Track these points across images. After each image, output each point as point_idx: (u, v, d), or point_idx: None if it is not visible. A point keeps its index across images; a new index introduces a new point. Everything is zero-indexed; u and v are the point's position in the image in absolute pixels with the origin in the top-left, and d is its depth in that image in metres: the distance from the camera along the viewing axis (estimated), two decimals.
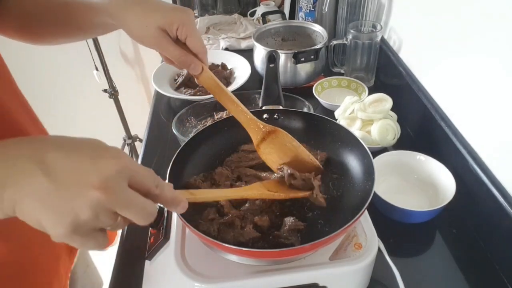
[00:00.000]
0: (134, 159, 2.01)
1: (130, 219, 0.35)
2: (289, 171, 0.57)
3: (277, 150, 0.59)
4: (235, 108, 0.59)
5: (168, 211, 0.60)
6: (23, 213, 0.32)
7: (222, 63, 1.19)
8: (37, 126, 0.64)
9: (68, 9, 0.58)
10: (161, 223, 0.59)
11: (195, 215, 0.55)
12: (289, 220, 0.53)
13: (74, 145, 0.34)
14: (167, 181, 0.55)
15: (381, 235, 0.56)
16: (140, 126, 1.41)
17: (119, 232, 0.72)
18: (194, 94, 1.05)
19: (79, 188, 0.32)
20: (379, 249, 0.56)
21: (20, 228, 0.57)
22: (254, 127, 0.59)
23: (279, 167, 0.59)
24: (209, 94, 1.04)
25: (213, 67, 1.17)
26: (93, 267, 0.88)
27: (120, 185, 0.34)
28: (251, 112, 0.62)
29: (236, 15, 1.53)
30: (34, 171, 0.32)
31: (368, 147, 0.58)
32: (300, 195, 0.55)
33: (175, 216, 0.59)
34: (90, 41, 1.67)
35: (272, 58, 0.72)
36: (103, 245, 0.35)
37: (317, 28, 1.15)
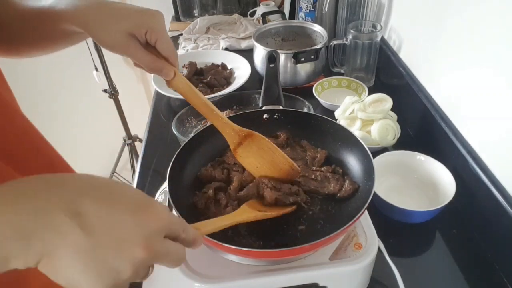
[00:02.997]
0: (134, 159, 2.01)
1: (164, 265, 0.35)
2: (269, 185, 0.57)
3: (254, 153, 0.58)
4: (210, 113, 0.58)
5: None
6: (54, 269, 0.29)
7: (222, 63, 1.19)
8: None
9: (39, 19, 0.55)
10: None
11: (195, 215, 0.55)
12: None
13: (113, 196, 0.32)
14: (167, 181, 0.55)
15: (381, 235, 0.56)
16: (140, 126, 1.41)
17: None
18: None
19: (121, 247, 0.30)
20: (379, 249, 0.56)
21: None
22: (229, 131, 0.58)
23: (258, 179, 0.59)
24: (210, 94, 1.04)
25: (213, 67, 1.17)
26: None
27: (160, 241, 0.33)
28: (251, 112, 0.63)
29: (236, 15, 1.53)
30: (68, 224, 0.29)
31: (368, 147, 0.58)
32: (288, 210, 0.55)
33: None
34: (90, 41, 1.66)
35: (272, 58, 0.72)
36: None
37: (317, 28, 1.15)
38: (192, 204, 0.57)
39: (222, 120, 0.58)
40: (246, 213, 0.52)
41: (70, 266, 0.29)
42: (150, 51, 0.54)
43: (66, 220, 0.29)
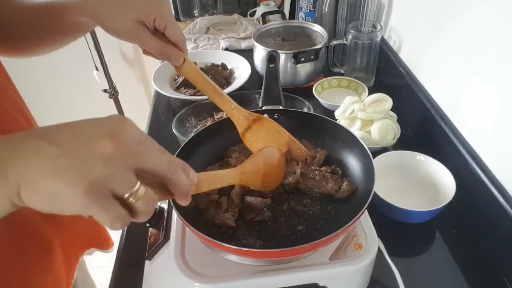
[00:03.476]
0: None
1: (147, 176, 0.33)
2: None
3: (263, 137, 0.59)
4: (219, 98, 0.59)
5: (168, 211, 0.60)
6: (33, 189, 0.29)
7: (222, 63, 1.19)
8: (31, 126, 0.64)
9: (44, 13, 0.56)
10: (161, 223, 0.59)
11: (195, 215, 0.55)
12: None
13: (79, 121, 0.33)
14: None
15: (381, 235, 0.56)
16: (140, 126, 1.41)
17: (119, 233, 0.72)
18: (194, 94, 1.05)
19: (88, 145, 0.30)
20: (379, 249, 0.56)
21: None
22: (239, 115, 0.59)
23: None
24: None
25: (213, 67, 1.17)
26: (89, 280, 0.88)
27: (130, 138, 0.32)
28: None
29: (236, 15, 1.53)
30: (39, 145, 0.30)
31: (368, 147, 0.58)
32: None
33: (175, 216, 0.59)
34: (90, 41, 1.67)
35: (272, 58, 0.72)
36: (125, 220, 0.32)
37: (317, 28, 1.15)
38: (192, 204, 0.57)
39: (231, 105, 0.59)
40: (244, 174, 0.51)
41: (46, 180, 0.29)
42: (159, 37, 0.54)
43: (38, 142, 0.30)
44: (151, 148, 0.34)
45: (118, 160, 0.31)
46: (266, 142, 0.59)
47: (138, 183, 0.32)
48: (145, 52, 0.57)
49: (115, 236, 0.73)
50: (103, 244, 0.80)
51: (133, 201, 0.32)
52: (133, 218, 0.34)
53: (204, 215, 0.55)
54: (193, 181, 0.39)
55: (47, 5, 0.55)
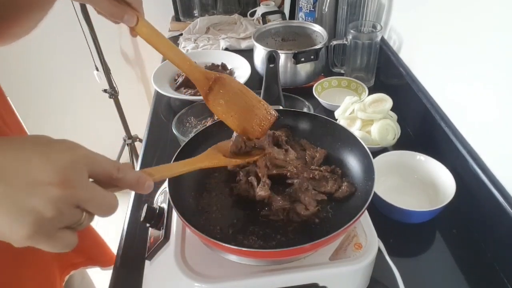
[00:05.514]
0: (134, 159, 2.01)
1: (93, 213, 0.34)
2: (239, 139, 0.56)
3: (226, 100, 0.55)
4: (177, 57, 0.55)
5: (168, 211, 0.60)
6: None
7: (222, 63, 1.19)
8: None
9: None
10: (161, 223, 0.59)
11: (195, 215, 0.55)
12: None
13: (19, 145, 0.32)
14: (167, 181, 0.55)
15: (381, 235, 0.56)
16: (140, 126, 1.41)
17: (119, 233, 0.72)
18: (194, 94, 1.05)
19: (35, 186, 0.30)
20: (379, 249, 0.56)
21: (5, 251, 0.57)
22: (198, 75, 0.56)
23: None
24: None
25: (213, 67, 1.17)
26: (88, 279, 0.88)
27: (78, 176, 0.32)
28: None
29: (236, 15, 1.53)
30: None
31: (368, 147, 0.58)
32: (256, 158, 0.55)
33: (175, 216, 0.59)
34: (90, 41, 1.67)
35: (272, 58, 0.73)
36: (72, 244, 0.33)
37: (317, 28, 1.15)
38: (192, 204, 0.57)
39: (189, 64, 0.56)
40: (210, 159, 0.51)
41: None
42: None
43: None
44: (100, 170, 0.35)
45: (67, 202, 0.31)
46: (231, 106, 0.55)
47: (83, 215, 0.34)
48: (99, 13, 0.54)
49: (115, 235, 0.73)
50: (104, 261, 0.81)
51: (76, 227, 0.34)
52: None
53: (210, 212, 0.56)
54: (150, 189, 0.40)
55: None
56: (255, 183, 0.56)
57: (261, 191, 0.54)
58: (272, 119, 0.56)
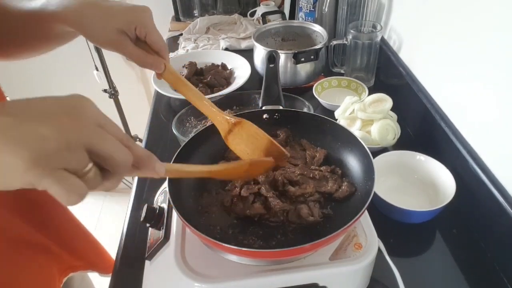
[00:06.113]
0: None
1: (102, 164, 0.32)
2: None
3: (244, 140, 0.60)
4: (200, 102, 0.59)
5: (168, 211, 0.60)
6: None
7: (222, 63, 1.19)
8: None
9: (30, 21, 0.56)
10: (161, 223, 0.59)
11: (195, 215, 0.55)
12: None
13: (42, 97, 0.32)
14: (167, 181, 0.55)
15: (381, 235, 0.56)
16: (140, 126, 1.41)
17: (119, 233, 0.72)
18: None
19: (44, 119, 0.29)
20: (379, 249, 0.56)
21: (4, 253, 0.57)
22: (220, 119, 0.60)
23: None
24: (210, 94, 1.04)
25: (213, 67, 1.17)
26: (88, 280, 0.88)
27: (89, 118, 0.31)
28: (251, 112, 0.63)
29: (236, 15, 1.53)
30: None
31: (368, 147, 0.58)
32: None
33: (175, 216, 0.59)
34: None
35: (272, 58, 0.72)
36: (82, 192, 0.30)
37: (317, 28, 1.15)
38: (192, 204, 0.57)
39: (212, 109, 0.60)
40: (217, 167, 0.53)
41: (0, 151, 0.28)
42: (141, 46, 0.55)
43: None
44: (111, 131, 0.33)
45: (73, 137, 0.30)
46: (248, 145, 0.60)
47: (90, 164, 0.31)
48: (128, 59, 0.57)
49: (115, 235, 0.73)
50: (103, 268, 0.81)
51: (84, 178, 0.31)
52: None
53: (233, 210, 0.56)
54: (160, 174, 0.38)
55: (33, 12, 0.55)
56: (251, 198, 0.56)
57: (258, 208, 0.55)
58: (284, 159, 0.60)
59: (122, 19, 0.53)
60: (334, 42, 1.08)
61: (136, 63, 0.56)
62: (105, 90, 1.82)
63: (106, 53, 1.71)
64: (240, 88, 1.07)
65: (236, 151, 0.61)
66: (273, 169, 0.60)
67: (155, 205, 0.63)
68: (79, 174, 0.31)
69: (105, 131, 0.32)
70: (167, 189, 0.54)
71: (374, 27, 1.04)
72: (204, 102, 0.59)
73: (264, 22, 1.33)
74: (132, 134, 2.01)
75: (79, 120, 0.31)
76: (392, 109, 0.86)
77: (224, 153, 0.66)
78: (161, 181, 0.70)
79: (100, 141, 0.31)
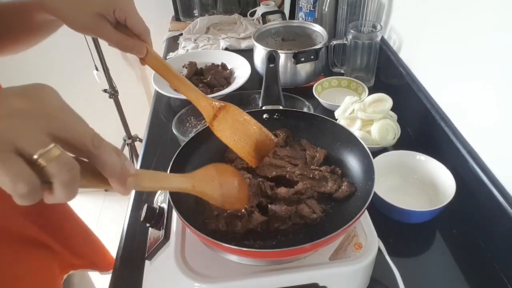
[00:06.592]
0: (134, 159, 2.01)
1: (68, 143, 0.30)
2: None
3: (230, 126, 0.58)
4: (184, 87, 0.58)
5: (168, 211, 0.60)
6: None
7: (222, 63, 1.19)
8: None
9: (7, 13, 0.55)
10: (161, 223, 0.59)
11: (195, 215, 0.55)
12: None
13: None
14: None
15: (381, 235, 0.56)
16: (140, 126, 1.41)
17: (119, 233, 0.72)
18: None
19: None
20: (379, 249, 0.56)
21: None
22: (205, 104, 0.58)
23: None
24: (210, 94, 1.04)
25: (213, 67, 1.17)
26: (87, 278, 0.88)
27: (50, 103, 0.30)
28: (251, 112, 0.63)
29: (236, 15, 1.53)
30: None
31: (368, 147, 0.58)
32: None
33: (175, 216, 0.59)
34: (90, 41, 1.66)
35: (272, 58, 0.72)
36: (30, 181, 0.28)
37: (317, 28, 1.15)
38: (192, 204, 0.57)
39: (196, 94, 0.58)
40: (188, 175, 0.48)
41: None
42: (122, 30, 0.54)
43: None
44: (75, 118, 0.32)
45: (31, 119, 0.28)
46: (234, 131, 0.58)
47: (52, 144, 0.29)
48: (110, 44, 0.56)
49: (115, 236, 0.73)
50: (103, 266, 0.81)
51: (44, 163, 0.28)
52: (49, 193, 0.30)
53: (233, 231, 0.53)
54: (129, 170, 0.35)
55: (9, 4, 0.54)
56: (247, 215, 0.54)
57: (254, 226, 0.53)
58: (271, 145, 0.59)
59: (100, 3, 0.52)
60: (334, 42, 1.08)
61: (117, 48, 0.55)
62: (105, 90, 1.82)
63: (106, 53, 1.71)
64: (240, 88, 1.07)
65: (223, 138, 0.59)
66: (260, 157, 0.58)
67: (155, 205, 0.63)
68: (32, 160, 0.28)
69: (67, 114, 0.31)
70: None
71: (374, 27, 1.04)
72: (188, 86, 0.58)
73: (264, 22, 1.33)
74: (132, 134, 2.02)
75: (37, 104, 0.30)
76: (392, 109, 0.86)
77: (224, 153, 0.66)
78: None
79: (62, 125, 0.30)
